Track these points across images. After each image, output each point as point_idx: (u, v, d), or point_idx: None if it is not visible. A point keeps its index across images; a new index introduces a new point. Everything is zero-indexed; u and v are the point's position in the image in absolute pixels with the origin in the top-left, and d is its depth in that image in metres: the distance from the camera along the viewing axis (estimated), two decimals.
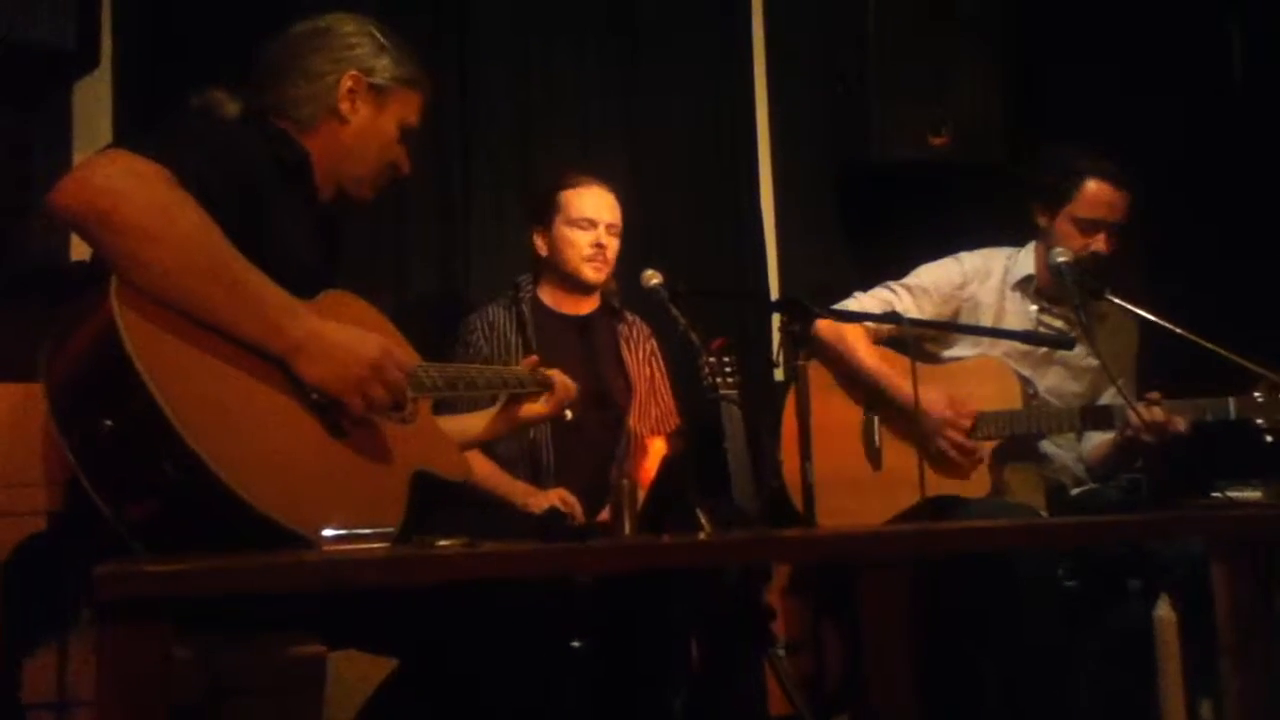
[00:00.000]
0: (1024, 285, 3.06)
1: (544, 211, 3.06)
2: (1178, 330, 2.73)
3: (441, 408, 2.23)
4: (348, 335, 1.70)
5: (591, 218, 3.00)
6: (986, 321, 3.04)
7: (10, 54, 2.86)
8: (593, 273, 3.00)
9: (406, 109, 2.03)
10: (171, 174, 1.59)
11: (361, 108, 1.98)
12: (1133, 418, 2.74)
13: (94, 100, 3.21)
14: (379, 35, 2.02)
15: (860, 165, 3.82)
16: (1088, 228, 2.94)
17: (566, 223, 3.00)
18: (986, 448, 2.90)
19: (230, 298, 1.59)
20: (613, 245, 3.02)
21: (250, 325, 1.61)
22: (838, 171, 3.97)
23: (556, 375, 2.36)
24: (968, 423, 2.89)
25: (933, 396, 2.89)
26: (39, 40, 2.81)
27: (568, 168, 3.29)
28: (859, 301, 3.12)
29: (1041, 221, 3.01)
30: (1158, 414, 2.72)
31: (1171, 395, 2.80)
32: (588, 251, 2.99)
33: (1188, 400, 2.77)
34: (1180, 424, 2.73)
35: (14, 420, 1.83)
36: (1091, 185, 2.93)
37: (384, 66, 1.99)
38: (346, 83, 1.96)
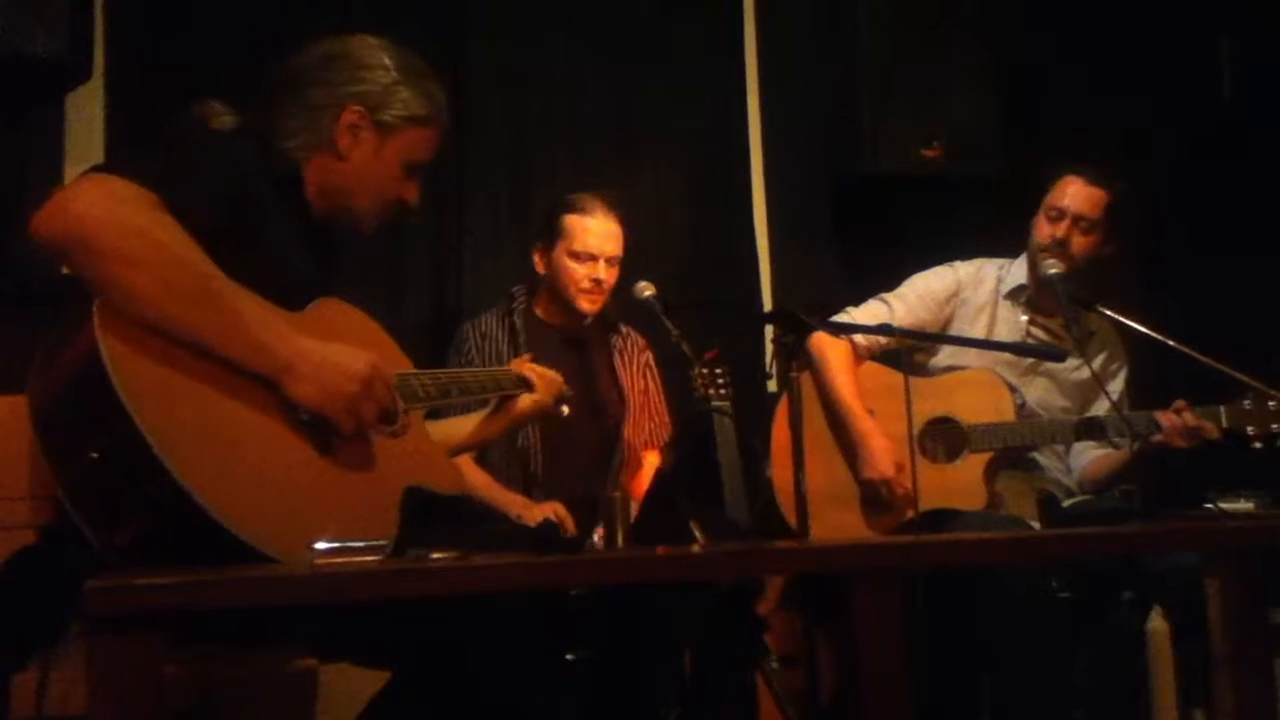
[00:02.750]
0: (1016, 295, 3.07)
1: (547, 231, 3.02)
2: (1170, 343, 2.74)
3: (433, 411, 2.22)
4: (336, 352, 1.68)
5: (593, 251, 2.96)
6: (978, 330, 3.05)
7: (3, 65, 2.86)
8: (588, 304, 2.98)
9: (414, 147, 1.94)
10: (154, 195, 1.57)
11: (363, 144, 1.89)
12: (1164, 422, 2.74)
13: (86, 111, 3.20)
14: (393, 67, 1.91)
15: (854, 177, 3.83)
16: (1053, 215, 2.97)
17: (567, 253, 2.97)
18: (978, 464, 2.90)
19: (215, 320, 1.58)
20: (611, 276, 2.99)
21: (236, 346, 1.59)
22: (831, 183, 3.98)
23: (538, 371, 2.30)
24: (900, 491, 2.89)
25: (883, 452, 2.89)
26: (32, 52, 2.81)
27: (571, 185, 3.27)
28: (851, 317, 3.12)
29: (1033, 221, 3.04)
30: (1189, 418, 2.72)
31: (1164, 407, 2.80)
32: (585, 285, 2.96)
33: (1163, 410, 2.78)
34: (1212, 429, 2.73)
35: (3, 433, 1.82)
36: (1067, 178, 2.98)
37: (393, 103, 1.90)
38: (349, 117, 1.88)
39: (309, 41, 1.94)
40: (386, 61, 1.92)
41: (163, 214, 1.56)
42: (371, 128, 1.90)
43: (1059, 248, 2.93)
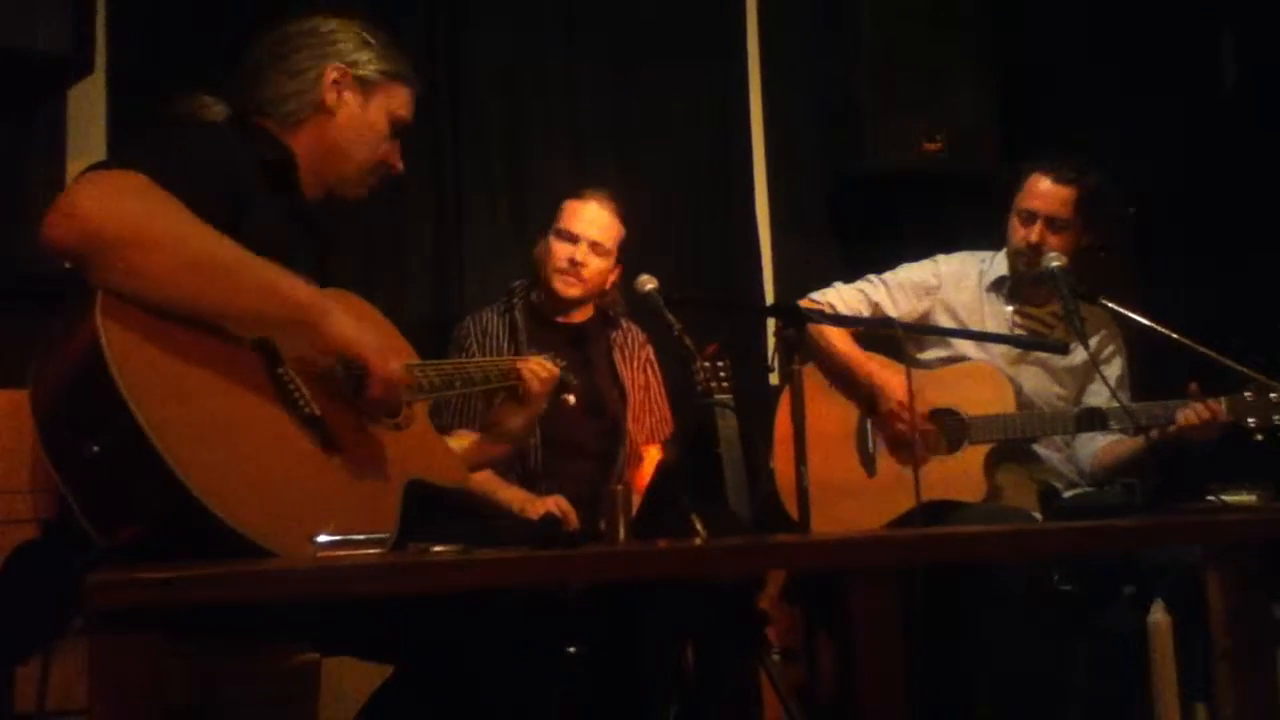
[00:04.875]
0: (998, 287, 3.08)
1: (550, 218, 3.05)
2: (1170, 334, 2.74)
3: (436, 403, 2.22)
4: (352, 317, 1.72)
5: (575, 232, 2.96)
6: (965, 323, 3.06)
7: (5, 59, 2.86)
8: (562, 285, 2.97)
9: (394, 102, 2.01)
10: (150, 180, 1.57)
11: (348, 99, 1.96)
12: (1180, 415, 2.72)
13: (89, 105, 3.21)
14: (363, 32, 2.00)
15: (855, 172, 3.83)
16: (1025, 218, 2.97)
17: (554, 232, 2.99)
18: (977, 455, 2.90)
19: (240, 284, 1.60)
20: (593, 263, 2.98)
21: (271, 304, 1.62)
22: (833, 178, 3.98)
23: (528, 365, 2.30)
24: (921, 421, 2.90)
25: (894, 382, 2.91)
26: (34, 46, 2.81)
27: (572, 182, 3.27)
28: (838, 291, 3.13)
29: (1009, 221, 3.04)
30: (1203, 410, 2.71)
31: (1164, 398, 2.80)
32: (561, 264, 2.96)
33: (1180, 400, 2.78)
34: (1225, 413, 2.71)
35: (5, 427, 1.83)
36: (1034, 176, 2.97)
37: (368, 60, 1.97)
38: (331, 74, 1.94)
39: (279, 22, 2.00)
40: (355, 28, 2.01)
41: (164, 193, 1.57)
42: (353, 84, 1.97)
43: (1034, 252, 2.93)
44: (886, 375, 2.94)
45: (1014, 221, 3.00)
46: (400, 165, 2.06)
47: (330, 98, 1.94)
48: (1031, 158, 3.01)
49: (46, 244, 1.53)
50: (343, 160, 1.98)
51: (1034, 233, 2.94)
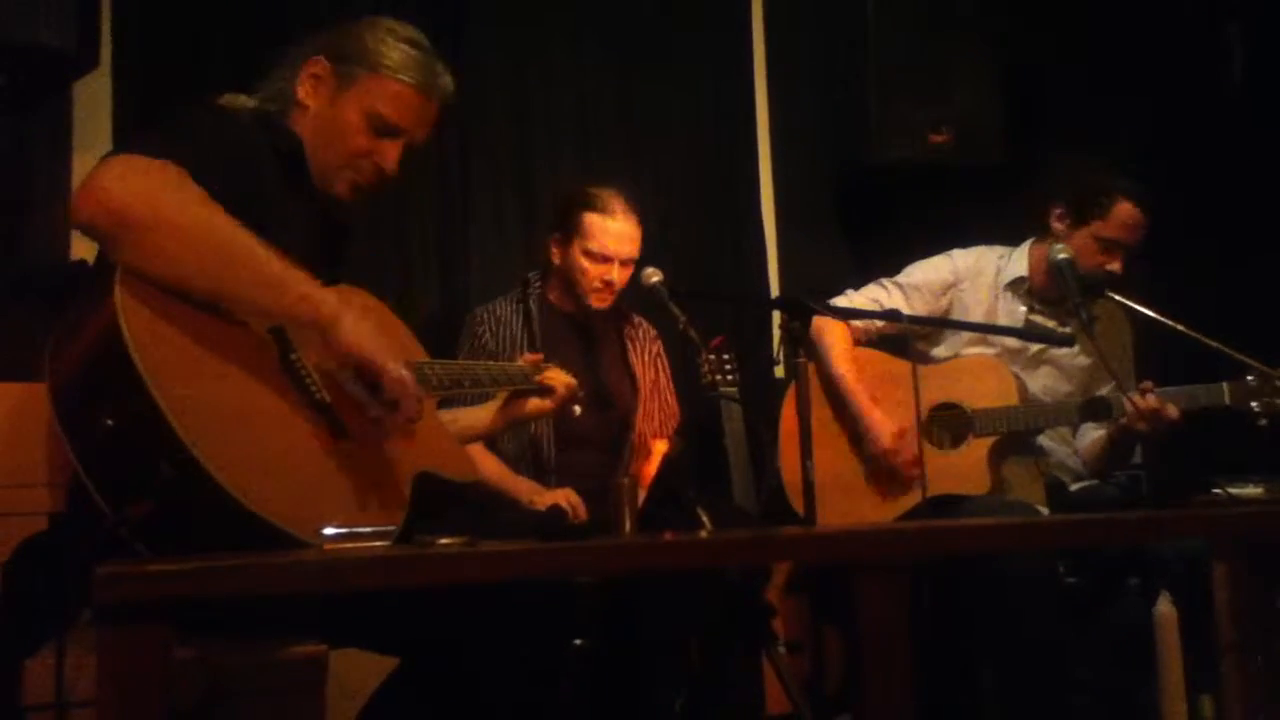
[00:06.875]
0: (1016, 286, 3.05)
1: (565, 225, 2.96)
2: (1178, 328, 2.74)
3: (443, 401, 2.23)
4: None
5: (610, 254, 2.91)
6: (977, 320, 3.04)
7: (11, 54, 2.86)
8: (598, 302, 2.96)
9: (372, 96, 1.89)
10: (178, 167, 1.61)
11: (320, 93, 1.90)
12: (1127, 405, 2.74)
13: (94, 101, 3.21)
14: (381, 27, 1.94)
15: (859, 165, 3.82)
16: (1109, 247, 2.92)
17: (583, 251, 2.91)
18: (982, 448, 2.90)
19: (258, 274, 1.62)
20: (624, 276, 2.94)
21: (287, 298, 1.64)
22: (837, 171, 3.98)
23: (556, 375, 2.35)
24: (901, 460, 2.89)
25: (882, 424, 2.91)
26: (39, 41, 2.81)
27: (577, 174, 3.24)
28: (850, 299, 3.12)
29: (1058, 228, 2.97)
30: (1151, 401, 2.72)
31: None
32: (597, 285, 2.93)
33: (1182, 387, 2.77)
34: (1172, 410, 2.73)
35: (15, 420, 1.84)
36: (1124, 207, 2.90)
37: (359, 54, 1.89)
38: (312, 67, 1.90)
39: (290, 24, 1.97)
40: (379, 27, 1.95)
41: (188, 179, 1.61)
42: (331, 78, 1.91)
43: (1111, 279, 2.90)
44: (872, 417, 2.92)
45: (1087, 243, 2.92)
46: (391, 166, 1.94)
47: (303, 90, 1.91)
48: (1105, 183, 2.92)
49: (75, 221, 1.58)
50: (314, 154, 1.91)
51: (1115, 262, 2.91)
